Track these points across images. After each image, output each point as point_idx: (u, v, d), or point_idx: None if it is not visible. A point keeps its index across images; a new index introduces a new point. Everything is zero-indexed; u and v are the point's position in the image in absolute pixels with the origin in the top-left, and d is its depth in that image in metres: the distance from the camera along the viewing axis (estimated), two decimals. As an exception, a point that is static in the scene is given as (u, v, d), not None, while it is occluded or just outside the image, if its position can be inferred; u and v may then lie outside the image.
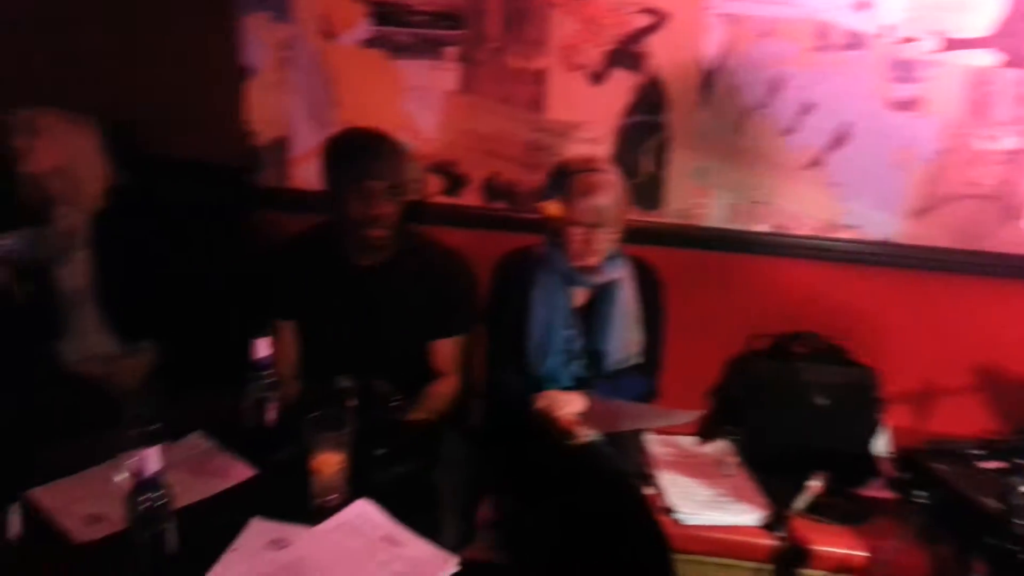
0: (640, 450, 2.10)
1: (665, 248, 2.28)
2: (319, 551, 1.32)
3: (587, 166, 1.97)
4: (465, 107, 2.35)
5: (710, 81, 2.28)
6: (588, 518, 1.79)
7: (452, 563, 1.33)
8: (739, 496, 1.95)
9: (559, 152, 2.32)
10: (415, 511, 1.45)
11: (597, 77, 2.32)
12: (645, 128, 2.33)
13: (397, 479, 1.52)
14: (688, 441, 2.20)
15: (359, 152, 1.93)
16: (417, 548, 1.36)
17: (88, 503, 1.43)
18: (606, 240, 1.96)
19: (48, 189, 2.15)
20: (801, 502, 1.93)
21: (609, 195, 1.93)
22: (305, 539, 1.35)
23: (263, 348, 1.60)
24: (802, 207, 2.34)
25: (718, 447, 2.07)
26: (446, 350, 2.08)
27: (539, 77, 2.32)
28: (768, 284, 2.32)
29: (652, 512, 1.80)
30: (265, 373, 1.61)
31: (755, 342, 2.26)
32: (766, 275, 2.33)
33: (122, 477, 1.41)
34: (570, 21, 2.28)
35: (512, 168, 2.38)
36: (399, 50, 2.32)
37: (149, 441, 1.23)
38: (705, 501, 1.92)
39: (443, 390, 2.04)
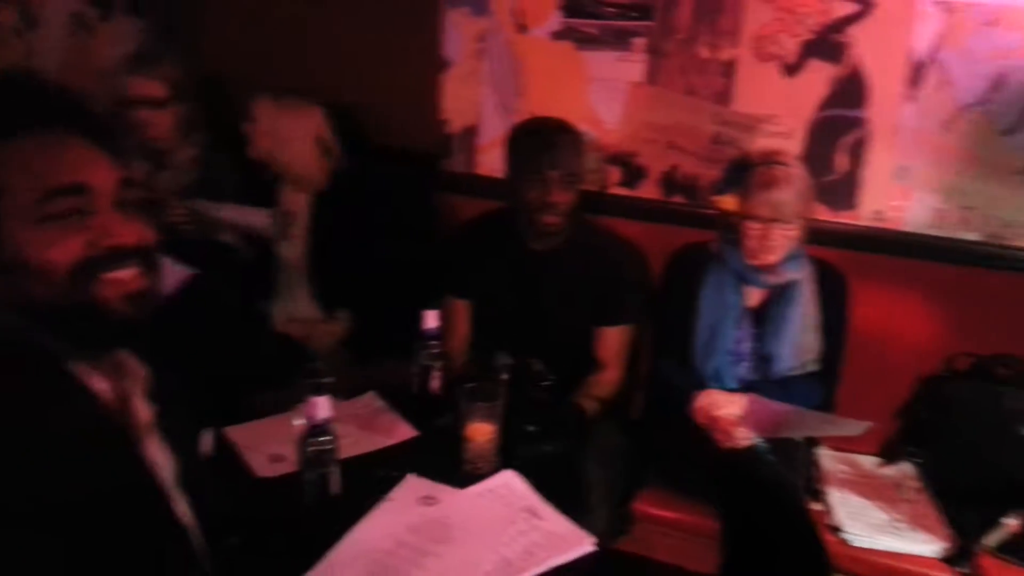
0: (810, 463, 1.99)
1: (855, 252, 2.13)
2: (464, 511, 1.39)
3: (768, 159, 1.89)
4: (649, 98, 2.33)
5: (919, 74, 2.10)
6: (746, 524, 1.73)
7: (588, 542, 1.34)
8: (918, 524, 1.79)
9: (744, 146, 2.24)
10: (558, 491, 1.47)
11: (791, 68, 2.21)
12: (841, 123, 2.19)
13: (544, 457, 1.55)
14: (867, 461, 2.05)
15: (539, 141, 1.99)
16: (556, 523, 1.38)
17: (273, 444, 1.59)
18: (784, 237, 1.87)
19: (272, 171, 2.40)
20: (993, 539, 1.74)
21: (790, 190, 1.84)
22: (453, 499, 1.42)
23: (431, 320, 1.70)
24: (1021, 216, 2.09)
25: (899, 470, 1.91)
26: (611, 339, 2.08)
27: (728, 68, 2.25)
28: (973, 298, 2.10)
29: (815, 526, 1.71)
30: (432, 343, 1.71)
31: (953, 361, 2.06)
32: (972, 288, 2.10)
33: (299, 422, 1.56)
34: (766, 10, 2.19)
35: (693, 161, 2.33)
36: (587, 42, 2.35)
37: (320, 391, 1.35)
38: (878, 524, 1.78)
39: (605, 381, 2.05)
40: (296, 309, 2.44)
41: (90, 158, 0.92)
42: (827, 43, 2.16)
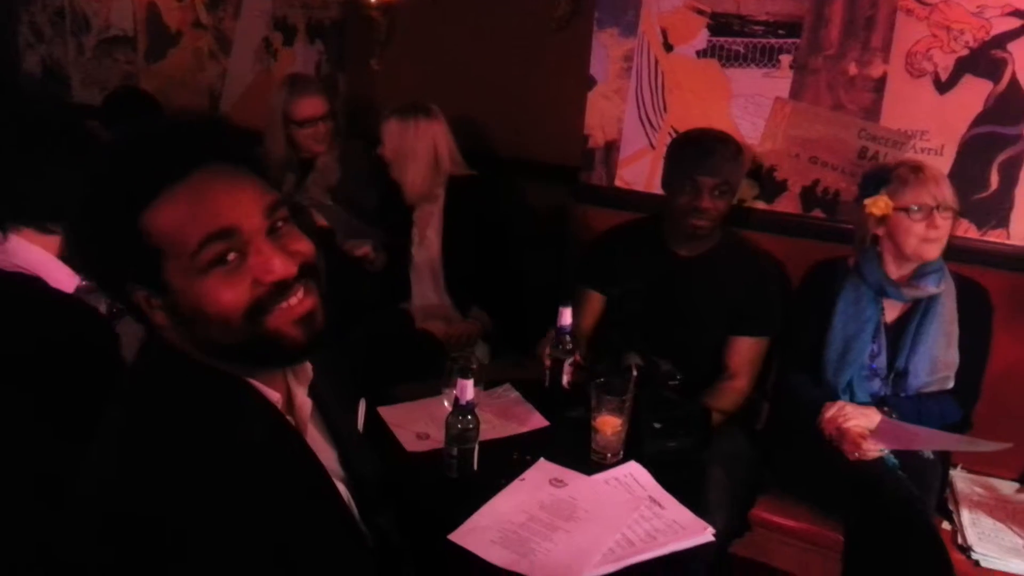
0: (943, 482, 1.95)
1: (1001, 271, 2.07)
2: (590, 495, 1.50)
3: (905, 162, 1.90)
4: (793, 114, 2.36)
5: (1086, 90, 2.01)
6: (870, 538, 1.74)
7: (708, 533, 1.41)
8: (1058, 553, 1.72)
9: (890, 162, 2.22)
10: (680, 486, 1.55)
11: (944, 85, 2.17)
12: (996, 140, 2.13)
13: (668, 453, 1.64)
14: (1005, 485, 1.98)
15: (698, 148, 2.10)
16: (678, 513, 1.46)
17: (420, 424, 1.77)
18: (946, 228, 1.87)
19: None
20: None
21: (941, 179, 1.86)
22: (580, 483, 1.54)
23: (566, 316, 1.82)
24: None
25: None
26: (744, 349, 2.13)
27: (878, 84, 2.24)
28: None
29: (942, 545, 1.68)
30: (565, 339, 1.83)
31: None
32: None
33: (446, 404, 1.73)
34: (919, 27, 2.17)
35: (834, 177, 2.33)
36: (732, 59, 2.41)
37: (467, 375, 1.51)
38: (1011, 548, 1.74)
39: (733, 389, 2.09)
40: (429, 307, 2.62)
41: (234, 193, 0.93)
42: (984, 59, 2.11)
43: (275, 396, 1.01)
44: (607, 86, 2.62)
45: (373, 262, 2.53)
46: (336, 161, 2.73)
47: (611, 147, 2.65)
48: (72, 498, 0.91)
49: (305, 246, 0.97)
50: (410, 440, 1.72)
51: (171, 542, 0.85)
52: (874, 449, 1.80)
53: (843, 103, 2.30)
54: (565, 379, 1.82)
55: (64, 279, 1.38)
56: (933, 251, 1.89)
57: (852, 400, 1.96)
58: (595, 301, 2.26)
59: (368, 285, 2.54)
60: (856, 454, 1.81)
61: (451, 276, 2.57)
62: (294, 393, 1.06)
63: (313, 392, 1.09)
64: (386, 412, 1.82)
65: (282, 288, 0.93)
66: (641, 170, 2.60)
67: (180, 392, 0.95)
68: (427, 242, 2.59)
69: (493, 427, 1.75)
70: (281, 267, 0.93)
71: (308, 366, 1.08)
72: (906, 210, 1.87)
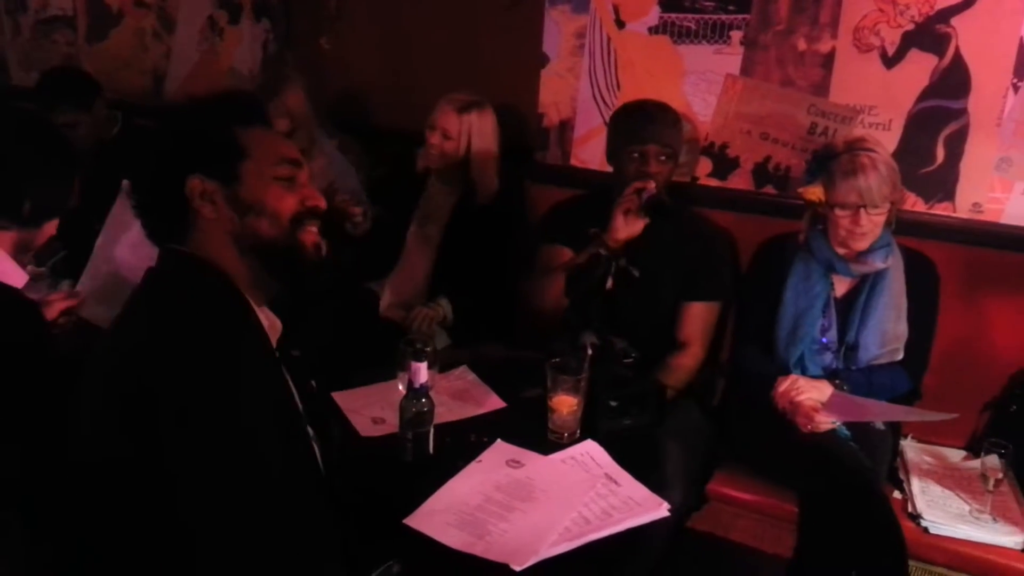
0: (894, 452, 1.99)
1: (948, 244, 2.11)
2: (546, 475, 1.50)
3: (852, 146, 1.91)
4: (744, 90, 2.36)
5: (1027, 63, 2.05)
6: (822, 508, 1.77)
7: (664, 508, 1.43)
8: (1002, 515, 1.77)
9: (840, 137, 2.24)
10: (636, 463, 1.56)
11: (890, 60, 2.20)
12: (941, 114, 2.17)
13: (624, 430, 1.64)
14: (952, 453, 2.03)
15: (640, 116, 2.10)
16: (634, 489, 1.47)
17: (375, 408, 1.75)
18: (873, 223, 1.89)
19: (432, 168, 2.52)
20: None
21: (875, 175, 1.86)
22: (537, 464, 1.53)
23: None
24: None
25: (985, 463, 1.89)
26: (697, 316, 2.12)
27: (827, 60, 2.26)
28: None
29: (892, 512, 1.72)
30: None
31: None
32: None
33: (402, 388, 1.71)
34: (867, 1, 2.19)
35: (786, 153, 2.35)
36: (683, 36, 2.41)
37: (420, 358, 1.49)
38: (959, 514, 1.78)
39: (686, 362, 2.10)
40: (405, 296, 2.56)
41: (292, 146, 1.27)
42: (929, 33, 2.14)
43: (265, 322, 1.22)
44: (560, 64, 2.60)
45: (358, 225, 2.43)
46: (326, 164, 2.63)
47: (565, 125, 2.64)
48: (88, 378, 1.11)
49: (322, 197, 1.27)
50: (365, 425, 1.70)
51: (186, 421, 1.01)
52: (826, 421, 1.83)
53: (793, 79, 2.31)
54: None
55: (11, 275, 1.36)
56: (862, 243, 1.92)
57: (804, 374, 1.99)
58: (563, 255, 2.19)
59: (346, 249, 2.48)
60: (809, 427, 1.84)
61: (443, 273, 2.52)
62: (265, 315, 1.24)
63: (280, 348, 1.25)
64: (340, 397, 1.80)
65: (314, 212, 1.24)
66: (596, 148, 2.59)
67: (202, 294, 1.15)
68: (425, 236, 2.54)
69: (449, 409, 1.74)
70: (320, 199, 1.25)
71: (278, 321, 1.27)
72: (832, 205, 1.90)
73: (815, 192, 1.96)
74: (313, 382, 1.32)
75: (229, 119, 1.21)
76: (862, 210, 1.86)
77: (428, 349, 1.55)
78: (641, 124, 2.09)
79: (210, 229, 1.18)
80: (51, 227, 1.45)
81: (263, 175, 1.19)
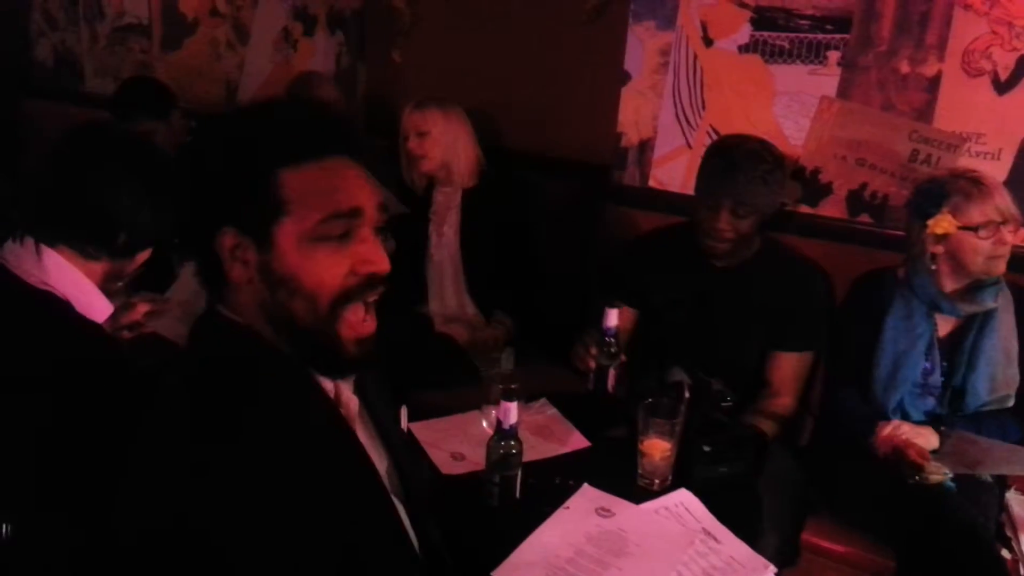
0: (999, 506, 1.85)
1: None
2: (640, 527, 1.41)
3: (962, 175, 1.79)
4: (840, 114, 2.24)
5: None
6: (927, 566, 1.65)
7: (770, 572, 1.33)
8: None
9: (944, 166, 2.11)
10: (733, 514, 1.47)
11: (1003, 84, 2.06)
12: (1059, 144, 2.02)
13: (720, 479, 1.55)
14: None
15: (722, 162, 1.95)
16: (735, 548, 1.38)
17: (454, 443, 1.69)
18: (1012, 241, 1.77)
19: (431, 177, 2.50)
20: None
21: (1003, 191, 1.77)
22: (628, 513, 1.45)
23: (612, 318, 1.72)
24: None
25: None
26: (788, 365, 2.03)
27: (932, 83, 2.13)
28: None
29: (1007, 574, 1.59)
30: (611, 341, 1.74)
31: None
32: None
33: (486, 424, 1.65)
34: (979, 23, 2.05)
35: (883, 180, 2.22)
36: (776, 55, 2.30)
37: (511, 397, 1.42)
38: (1081, 582, 1.64)
39: (778, 407, 2.00)
40: (449, 309, 2.53)
41: (362, 183, 0.97)
42: (1048, 58, 2.00)
43: (328, 386, 1.01)
44: (642, 81, 2.51)
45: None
46: None
47: (645, 146, 2.55)
48: (134, 473, 0.91)
49: (388, 261, 0.98)
50: (445, 461, 1.63)
51: (242, 519, 0.84)
52: (938, 472, 1.70)
53: (894, 103, 2.18)
54: (610, 383, 1.75)
55: (97, 307, 1.31)
56: (1000, 266, 1.80)
57: (905, 419, 1.87)
58: (623, 316, 2.13)
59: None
60: (916, 477, 1.71)
61: (472, 276, 2.49)
62: (340, 389, 1.03)
63: (358, 391, 1.06)
64: (418, 430, 1.73)
65: (371, 283, 0.95)
66: (676, 170, 2.50)
67: (248, 366, 0.94)
68: (445, 240, 2.51)
69: (531, 447, 1.65)
70: (383, 262, 0.96)
71: None
72: (973, 228, 1.77)
73: (944, 222, 1.81)
74: (405, 425, 1.23)
75: (273, 156, 0.93)
76: (1002, 227, 1.74)
77: (515, 386, 1.47)
78: (720, 173, 1.92)
79: (243, 294, 0.95)
80: (143, 256, 1.40)
81: (303, 239, 0.92)
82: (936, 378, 1.90)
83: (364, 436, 1.06)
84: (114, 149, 1.36)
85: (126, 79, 3.06)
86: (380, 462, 1.08)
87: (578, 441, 1.71)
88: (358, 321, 0.96)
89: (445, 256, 2.52)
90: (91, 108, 3.50)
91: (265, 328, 0.95)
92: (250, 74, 3.28)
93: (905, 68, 2.15)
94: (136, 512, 0.89)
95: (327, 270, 0.93)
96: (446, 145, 2.43)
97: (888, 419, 1.87)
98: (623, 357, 1.81)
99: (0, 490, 1.19)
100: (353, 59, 3.04)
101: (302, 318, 0.93)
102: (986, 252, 1.77)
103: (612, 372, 1.76)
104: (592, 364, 1.79)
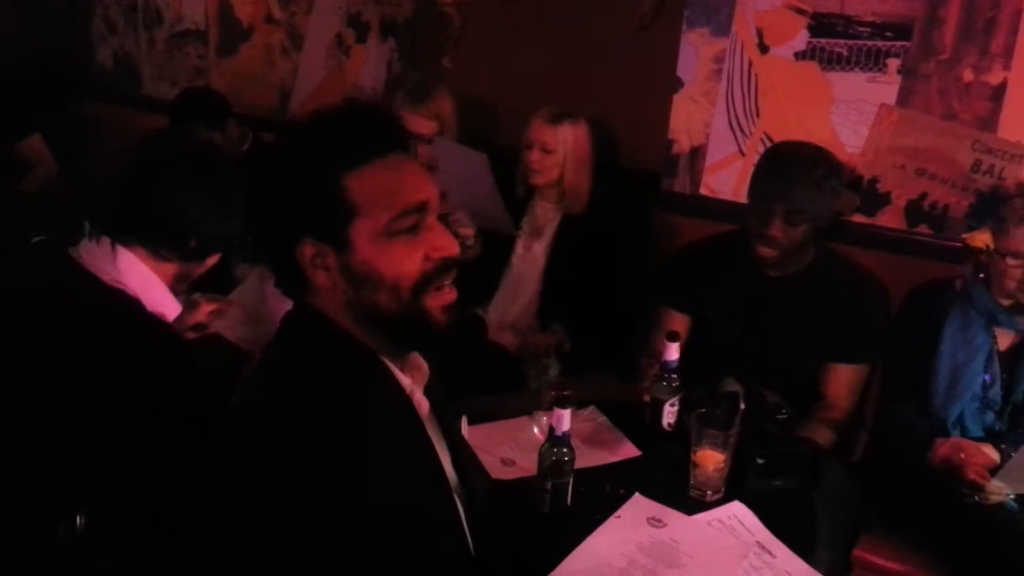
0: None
1: None
2: (693, 538, 1.39)
3: None
4: (899, 122, 2.20)
5: None
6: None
7: (825, 588, 1.30)
8: None
9: (1008, 177, 2.06)
10: (787, 529, 1.44)
11: (1072, 94, 2.00)
12: None
13: (774, 492, 1.52)
14: None
15: (775, 167, 1.93)
16: (791, 563, 1.35)
17: (504, 448, 1.69)
18: None
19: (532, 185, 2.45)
20: None
21: None
22: (681, 524, 1.43)
23: (672, 351, 1.66)
24: None
25: None
26: (844, 377, 1.99)
27: (996, 92, 2.07)
28: None
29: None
30: (672, 376, 1.67)
31: None
32: None
33: (537, 431, 1.64)
34: (1047, 29, 2.00)
35: (944, 191, 2.17)
36: (834, 62, 2.26)
37: (565, 404, 1.41)
38: None
39: (832, 419, 1.96)
40: (509, 319, 2.50)
41: (422, 176, 1.03)
42: (1121, 65, 1.94)
43: (406, 381, 1.06)
44: (695, 88, 2.49)
45: (468, 249, 2.32)
46: (441, 182, 2.55)
47: (697, 153, 2.53)
48: (222, 451, 0.99)
49: (456, 243, 1.04)
50: (495, 466, 1.64)
51: (321, 497, 0.90)
52: (999, 493, 1.66)
53: (956, 112, 2.13)
54: (666, 419, 1.67)
55: (166, 306, 1.35)
56: None
57: (964, 434, 1.83)
58: (676, 322, 2.11)
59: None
60: (976, 497, 1.67)
61: (549, 298, 2.44)
62: (413, 390, 1.08)
63: (428, 394, 1.11)
64: (470, 433, 1.74)
65: (446, 266, 1.02)
66: (728, 178, 2.47)
67: (331, 358, 1.00)
68: (532, 255, 2.47)
69: (581, 454, 1.64)
70: (452, 245, 1.02)
71: (425, 366, 1.13)
72: (1002, 254, 1.73)
73: (981, 238, 1.80)
74: (465, 432, 1.24)
75: (337, 164, 0.98)
76: None
77: (567, 393, 1.47)
78: (773, 178, 1.90)
79: (327, 296, 1.02)
80: (213, 260, 1.44)
81: (379, 235, 0.98)
82: (996, 392, 1.85)
83: (432, 434, 1.09)
84: (187, 157, 1.40)
85: (184, 89, 3.14)
86: (444, 460, 1.11)
87: (628, 450, 1.70)
88: (440, 294, 1.03)
89: (527, 271, 2.48)
90: (148, 112, 3.59)
91: (352, 324, 1.02)
92: (303, 80, 3.33)
93: (968, 76, 2.10)
94: (223, 472, 0.98)
95: (404, 261, 0.99)
96: (566, 169, 2.36)
97: (947, 434, 1.83)
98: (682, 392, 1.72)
99: (74, 482, 1.22)
100: (404, 66, 3.07)
101: (388, 307, 1.00)
102: (1016, 278, 1.73)
103: (668, 408, 1.68)
104: (647, 396, 1.73)
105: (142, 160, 1.39)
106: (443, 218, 1.04)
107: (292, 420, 0.93)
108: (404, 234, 0.99)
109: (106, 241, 1.34)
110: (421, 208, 1.00)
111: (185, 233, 1.36)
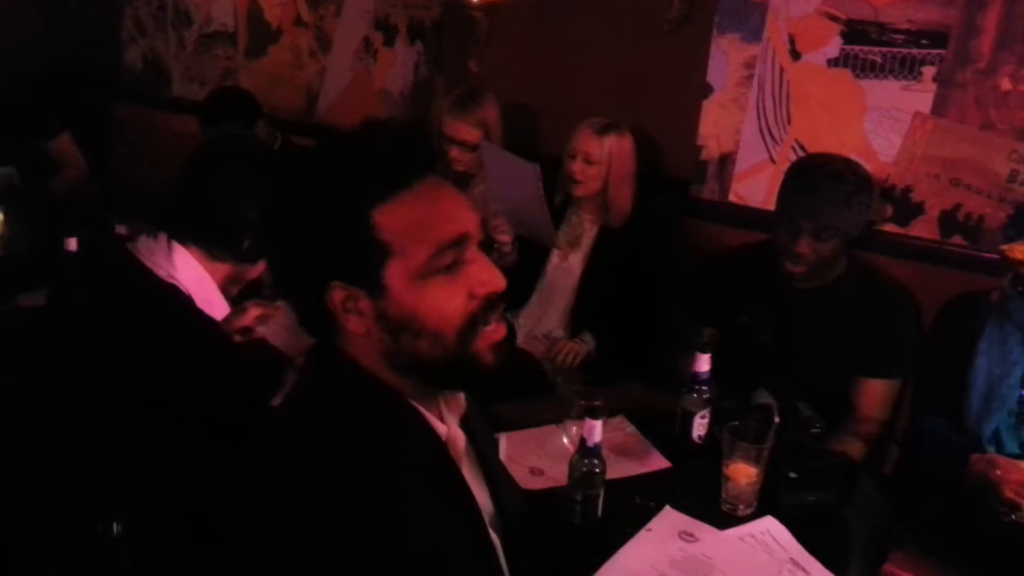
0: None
1: None
2: (725, 553, 1.38)
3: None
4: (934, 131, 2.17)
5: None
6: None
7: (859, 606, 1.28)
8: None
9: (1047, 188, 2.03)
10: (820, 544, 1.42)
11: (1114, 104, 1.97)
12: None
13: (807, 507, 1.50)
14: None
15: (803, 183, 1.91)
16: (824, 580, 1.34)
17: (532, 457, 1.68)
18: None
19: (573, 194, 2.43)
20: None
21: None
22: (712, 538, 1.42)
23: (703, 363, 1.64)
24: None
25: None
26: (874, 392, 1.97)
27: (1034, 102, 2.04)
28: None
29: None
30: (701, 388, 1.65)
31: None
32: None
33: (567, 440, 1.64)
34: (1087, 38, 1.97)
35: (979, 201, 2.13)
36: (867, 69, 2.23)
37: (596, 414, 1.40)
38: None
39: (862, 434, 1.93)
40: (540, 328, 2.49)
41: (458, 202, 0.92)
42: None
43: (442, 429, 0.98)
44: (725, 94, 2.47)
45: (504, 256, 2.33)
46: (484, 192, 2.52)
47: (726, 160, 2.51)
48: (244, 515, 0.90)
49: (499, 273, 0.94)
50: (523, 476, 1.62)
51: (346, 558, 0.82)
52: (1036, 511, 1.63)
53: (993, 121, 2.10)
54: (695, 432, 1.66)
55: (216, 305, 1.38)
56: None
57: (1000, 450, 1.79)
58: (704, 334, 2.10)
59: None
60: (1013, 516, 1.64)
61: (582, 309, 2.43)
62: (448, 438, 1.00)
63: (465, 425, 1.04)
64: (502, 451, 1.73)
65: (492, 303, 0.91)
66: (758, 185, 2.45)
67: (356, 407, 0.91)
68: (567, 265, 2.47)
69: (610, 465, 1.62)
70: (498, 279, 0.92)
71: (461, 397, 1.03)
72: None
73: (1021, 250, 1.77)
74: (503, 454, 1.22)
75: (364, 201, 0.87)
76: None
77: (598, 403, 1.46)
78: (801, 195, 1.86)
79: (360, 343, 0.92)
80: (264, 264, 1.46)
81: (415, 276, 0.87)
82: (1033, 408, 1.82)
83: (468, 470, 1.04)
84: (247, 158, 1.42)
85: (215, 89, 3.16)
86: (481, 493, 1.06)
87: (658, 461, 1.69)
88: (488, 332, 0.92)
89: (560, 281, 2.47)
90: (178, 113, 3.63)
91: (387, 372, 0.93)
92: (330, 83, 3.35)
93: (1006, 85, 2.07)
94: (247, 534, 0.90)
95: (446, 302, 0.89)
96: (609, 182, 2.35)
97: (983, 450, 1.80)
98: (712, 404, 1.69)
99: (111, 487, 1.24)
100: (431, 70, 3.08)
101: (431, 355, 0.90)
102: None
103: (698, 420, 1.65)
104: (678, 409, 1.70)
105: (203, 159, 1.42)
106: (484, 245, 0.94)
107: (317, 502, 0.84)
108: (443, 273, 0.88)
109: (163, 238, 1.39)
110: (460, 241, 0.89)
111: (238, 233, 1.39)
